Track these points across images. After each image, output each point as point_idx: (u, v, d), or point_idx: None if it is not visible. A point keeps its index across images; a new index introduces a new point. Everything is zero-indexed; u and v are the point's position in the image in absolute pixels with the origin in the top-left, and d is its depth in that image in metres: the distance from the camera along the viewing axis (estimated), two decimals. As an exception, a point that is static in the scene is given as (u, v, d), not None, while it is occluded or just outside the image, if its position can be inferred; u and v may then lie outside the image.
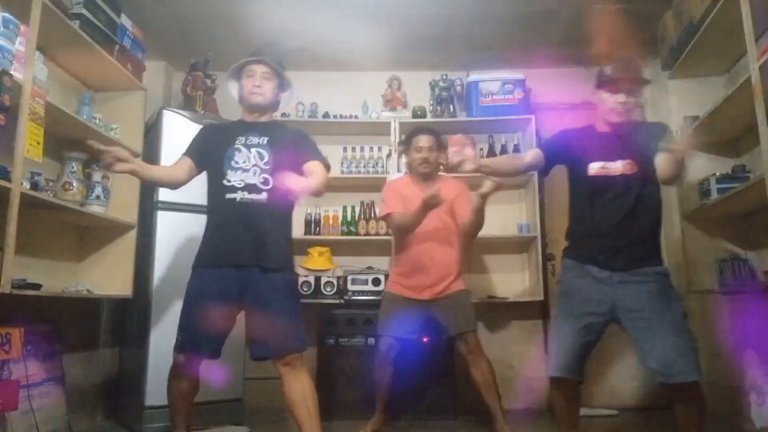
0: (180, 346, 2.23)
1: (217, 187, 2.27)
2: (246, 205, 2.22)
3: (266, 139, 2.30)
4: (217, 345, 2.25)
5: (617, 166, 2.12)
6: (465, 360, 2.89)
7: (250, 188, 2.22)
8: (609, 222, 2.11)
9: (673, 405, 2.03)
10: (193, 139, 2.42)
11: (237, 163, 2.25)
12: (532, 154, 2.36)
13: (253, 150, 2.27)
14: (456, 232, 2.92)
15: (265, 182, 2.23)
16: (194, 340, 2.20)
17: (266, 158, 2.26)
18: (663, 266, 2.14)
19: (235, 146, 2.27)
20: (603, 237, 2.12)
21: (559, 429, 2.26)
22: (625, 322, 2.07)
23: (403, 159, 3.62)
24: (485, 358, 2.89)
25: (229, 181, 2.23)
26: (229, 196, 2.22)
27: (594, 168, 2.15)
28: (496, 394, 2.89)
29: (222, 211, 2.24)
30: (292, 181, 2.09)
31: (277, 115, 3.82)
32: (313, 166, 2.30)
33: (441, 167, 3.03)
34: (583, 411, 3.48)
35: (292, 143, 2.34)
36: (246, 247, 2.20)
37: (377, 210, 3.85)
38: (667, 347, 1.93)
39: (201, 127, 2.51)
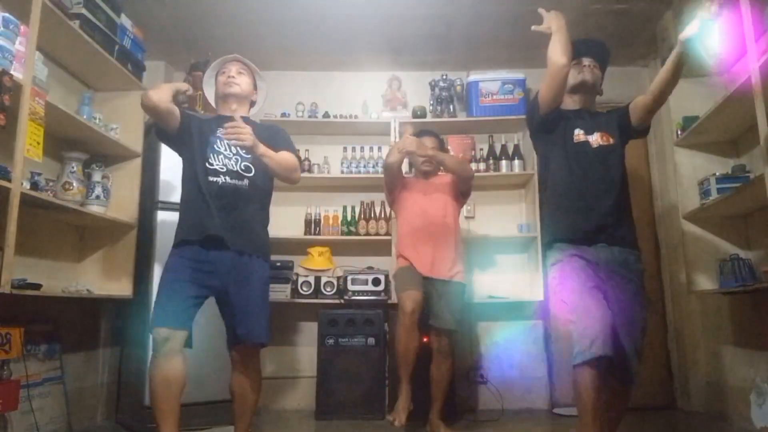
0: (155, 321, 2.11)
1: (198, 170, 2.26)
2: (229, 190, 2.25)
3: None
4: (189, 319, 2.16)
5: (595, 138, 2.22)
6: (432, 352, 2.94)
7: (232, 174, 2.27)
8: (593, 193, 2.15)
9: None
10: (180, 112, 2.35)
11: (218, 148, 2.29)
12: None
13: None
14: (455, 221, 3.05)
15: (247, 169, 2.30)
16: (169, 314, 2.10)
17: None
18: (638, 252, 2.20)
19: (216, 135, 2.31)
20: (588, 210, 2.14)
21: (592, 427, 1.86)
22: None
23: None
24: (451, 362, 2.95)
25: (211, 164, 2.26)
26: (212, 179, 2.24)
27: (578, 135, 2.22)
28: (445, 393, 2.95)
29: (205, 191, 2.23)
30: (242, 133, 2.14)
31: (276, 115, 3.89)
32: (284, 153, 2.34)
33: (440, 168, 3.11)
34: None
35: (267, 137, 2.33)
36: (227, 230, 2.20)
37: (377, 210, 3.88)
38: None
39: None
